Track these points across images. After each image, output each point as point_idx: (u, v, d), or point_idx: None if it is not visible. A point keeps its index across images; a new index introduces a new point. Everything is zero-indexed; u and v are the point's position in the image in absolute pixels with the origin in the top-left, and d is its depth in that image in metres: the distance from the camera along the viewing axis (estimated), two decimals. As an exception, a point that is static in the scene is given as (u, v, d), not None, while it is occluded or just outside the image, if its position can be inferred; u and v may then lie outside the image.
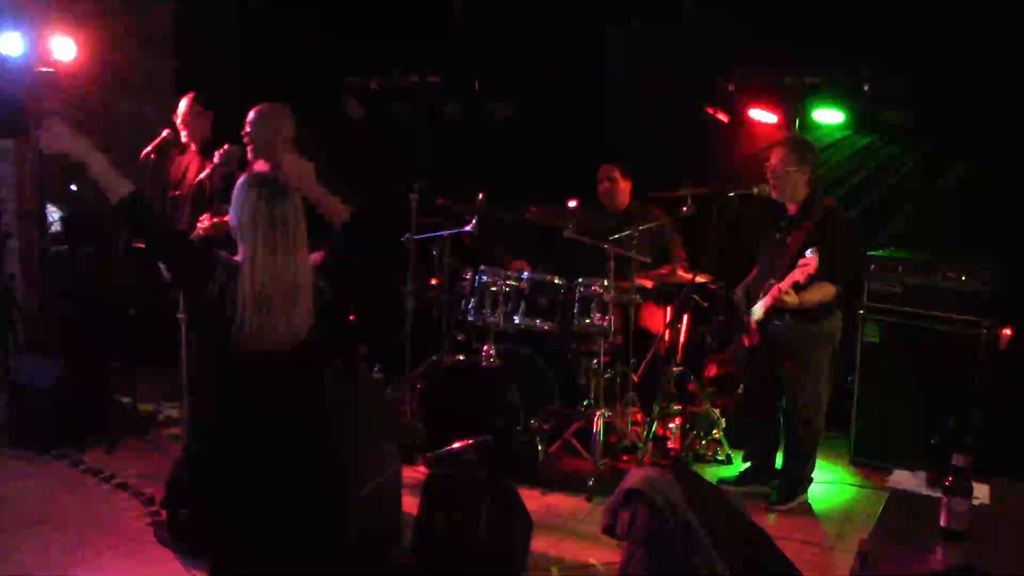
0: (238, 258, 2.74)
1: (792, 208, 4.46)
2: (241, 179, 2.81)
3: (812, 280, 4.16)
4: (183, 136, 5.33)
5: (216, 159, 4.68)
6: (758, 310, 4.42)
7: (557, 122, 6.07)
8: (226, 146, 4.73)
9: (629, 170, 5.38)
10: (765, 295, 4.36)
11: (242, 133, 4.53)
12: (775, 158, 4.43)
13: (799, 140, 4.59)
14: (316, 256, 2.87)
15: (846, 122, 5.34)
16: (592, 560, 3.91)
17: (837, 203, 4.66)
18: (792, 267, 4.19)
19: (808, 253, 4.10)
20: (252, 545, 2.80)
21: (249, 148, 4.48)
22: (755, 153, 5.53)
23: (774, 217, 4.58)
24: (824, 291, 4.26)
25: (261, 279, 2.68)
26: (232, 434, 2.76)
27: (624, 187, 5.37)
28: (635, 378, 5.09)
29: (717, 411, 5.14)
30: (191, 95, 5.40)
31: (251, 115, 4.50)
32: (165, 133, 5.29)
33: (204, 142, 5.36)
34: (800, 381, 4.45)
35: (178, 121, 5.31)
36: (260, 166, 4.12)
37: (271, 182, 2.78)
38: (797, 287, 4.17)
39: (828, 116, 5.31)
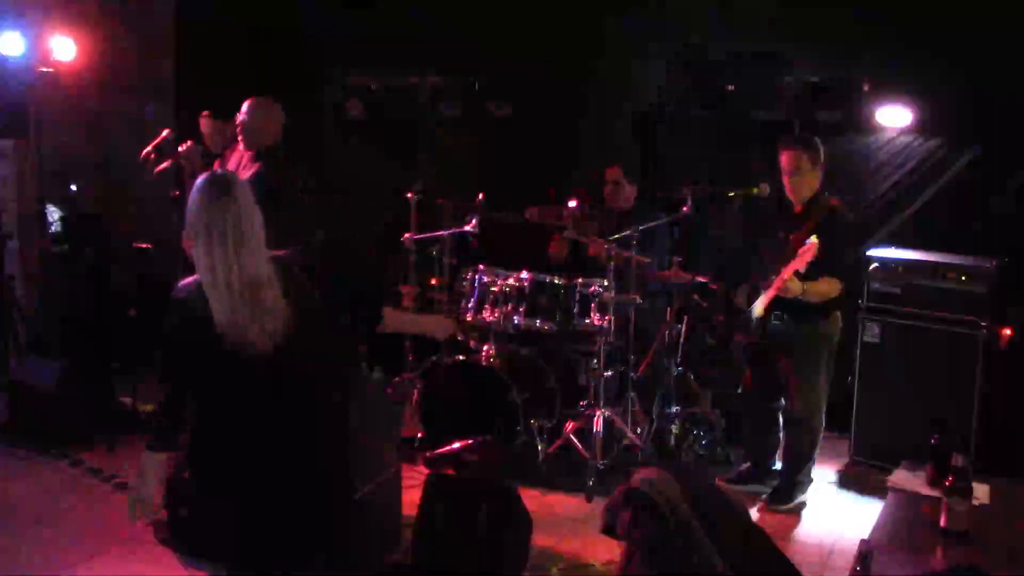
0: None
1: (798, 207, 4.43)
2: (198, 180, 2.77)
3: (813, 270, 4.14)
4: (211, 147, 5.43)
5: (178, 157, 4.74)
6: (758, 307, 4.41)
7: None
8: (189, 142, 4.77)
9: (633, 173, 5.37)
10: (765, 292, 4.36)
11: (235, 123, 4.63)
12: (792, 160, 4.36)
13: (812, 140, 4.49)
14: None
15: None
16: (592, 560, 3.91)
17: (841, 202, 4.58)
18: None
19: (808, 240, 4.08)
20: (252, 547, 2.79)
21: (241, 138, 4.61)
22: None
23: (774, 216, 4.57)
24: (830, 285, 4.22)
25: (211, 278, 2.66)
26: (221, 436, 2.74)
27: (629, 190, 5.36)
28: (635, 378, 5.09)
29: (717, 411, 5.14)
30: (208, 119, 5.43)
31: (244, 106, 4.63)
32: (165, 133, 5.30)
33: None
34: (799, 381, 4.44)
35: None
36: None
37: (218, 181, 2.74)
38: (798, 276, 4.14)
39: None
